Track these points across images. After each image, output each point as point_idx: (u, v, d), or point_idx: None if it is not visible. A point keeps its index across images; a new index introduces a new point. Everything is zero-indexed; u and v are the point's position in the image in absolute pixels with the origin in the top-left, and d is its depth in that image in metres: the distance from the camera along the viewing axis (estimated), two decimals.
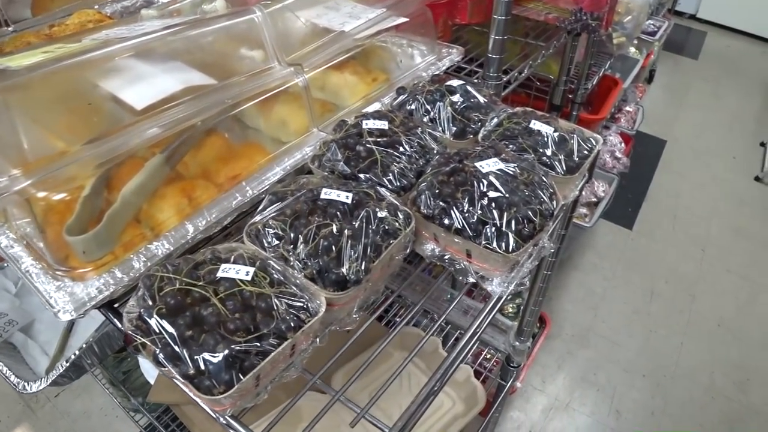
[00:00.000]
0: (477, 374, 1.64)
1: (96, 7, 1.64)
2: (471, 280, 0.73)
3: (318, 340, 0.67)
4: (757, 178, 3.78)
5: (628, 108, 3.20)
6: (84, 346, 1.50)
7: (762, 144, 4.12)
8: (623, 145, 2.87)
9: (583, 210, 2.67)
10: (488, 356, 1.84)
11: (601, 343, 2.63)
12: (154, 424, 1.85)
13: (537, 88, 1.96)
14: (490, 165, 0.73)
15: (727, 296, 2.91)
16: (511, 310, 2.21)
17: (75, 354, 1.49)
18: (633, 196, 3.49)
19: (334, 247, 0.65)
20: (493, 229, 0.69)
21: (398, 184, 0.76)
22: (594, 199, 2.64)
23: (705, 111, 4.54)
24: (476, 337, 0.73)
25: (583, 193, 2.51)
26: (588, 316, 2.74)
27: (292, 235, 0.67)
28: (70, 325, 1.70)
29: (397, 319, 1.79)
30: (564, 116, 2.08)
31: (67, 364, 1.49)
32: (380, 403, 1.45)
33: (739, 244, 3.24)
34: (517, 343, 1.39)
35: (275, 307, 0.62)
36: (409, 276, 1.00)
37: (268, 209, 0.73)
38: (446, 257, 0.75)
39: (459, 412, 1.44)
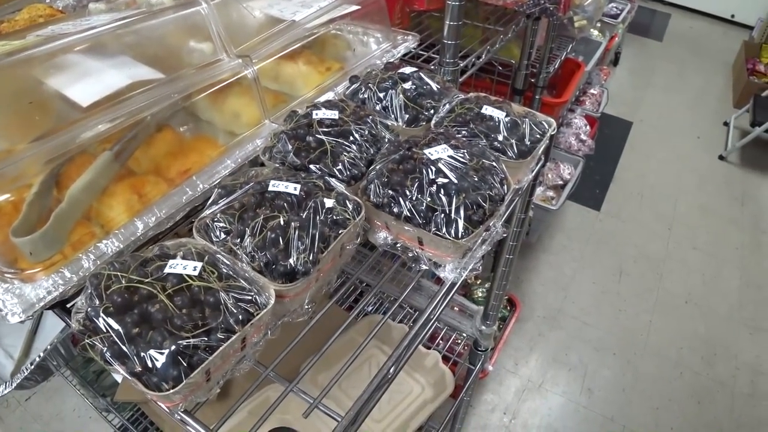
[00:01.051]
0: (447, 359, 1.65)
1: (47, 1, 1.60)
2: (423, 267, 0.74)
3: (270, 332, 0.67)
4: (721, 157, 3.86)
5: (592, 90, 3.23)
6: (49, 347, 1.48)
7: (725, 123, 4.20)
8: (588, 127, 2.90)
9: (550, 193, 2.69)
10: (459, 341, 1.86)
11: (572, 324, 2.67)
12: (126, 424, 1.84)
13: (499, 72, 1.97)
14: (439, 152, 0.74)
15: (694, 273, 2.97)
16: (480, 294, 2.23)
17: (39, 356, 1.47)
18: (600, 178, 3.54)
19: (281, 239, 0.64)
20: (443, 215, 0.69)
21: (348, 173, 0.76)
22: (560, 182, 2.67)
23: (670, 92, 4.62)
24: (431, 323, 0.73)
25: (549, 176, 2.53)
26: (558, 297, 2.78)
27: (239, 228, 0.67)
28: (35, 327, 1.67)
29: (369, 308, 1.80)
30: (527, 100, 2.09)
31: (32, 367, 1.46)
32: (350, 392, 1.46)
33: (704, 222, 3.31)
34: (483, 327, 1.40)
35: (223, 301, 0.62)
36: (379, 265, 1.00)
37: (217, 203, 0.72)
38: (399, 245, 0.75)
39: (428, 398, 1.45)
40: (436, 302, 0.74)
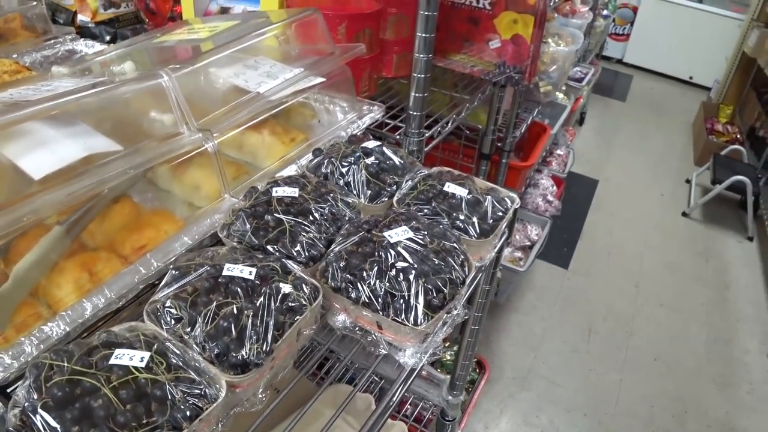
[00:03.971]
0: (415, 428, 1.61)
1: (14, 56, 1.59)
2: (383, 352, 0.72)
3: (221, 425, 0.64)
4: (684, 214, 3.95)
5: (559, 151, 3.30)
6: None
7: (687, 181, 4.32)
8: (555, 188, 2.95)
9: (518, 254, 2.71)
10: (427, 406, 1.82)
11: (542, 384, 2.64)
12: None
13: (467, 137, 2.00)
14: (399, 234, 0.73)
15: (662, 330, 2.99)
16: (449, 357, 2.19)
17: None
18: (568, 236, 3.58)
19: (234, 329, 0.62)
20: (402, 300, 0.68)
21: (307, 255, 0.75)
22: (528, 243, 2.69)
23: (633, 150, 4.76)
24: (389, 411, 0.71)
25: (517, 237, 2.55)
26: (528, 357, 2.76)
27: (191, 315, 0.64)
28: None
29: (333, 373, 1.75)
30: (494, 164, 2.12)
31: None
32: None
33: (670, 278, 3.36)
34: (450, 397, 1.37)
35: (171, 395, 0.59)
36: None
37: (170, 285, 0.70)
38: (358, 328, 0.74)
39: None
40: (395, 389, 0.71)
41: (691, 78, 6.26)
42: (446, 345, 2.21)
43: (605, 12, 4.11)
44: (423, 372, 1.58)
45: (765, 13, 4.80)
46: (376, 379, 1.62)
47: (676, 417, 2.55)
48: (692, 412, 2.58)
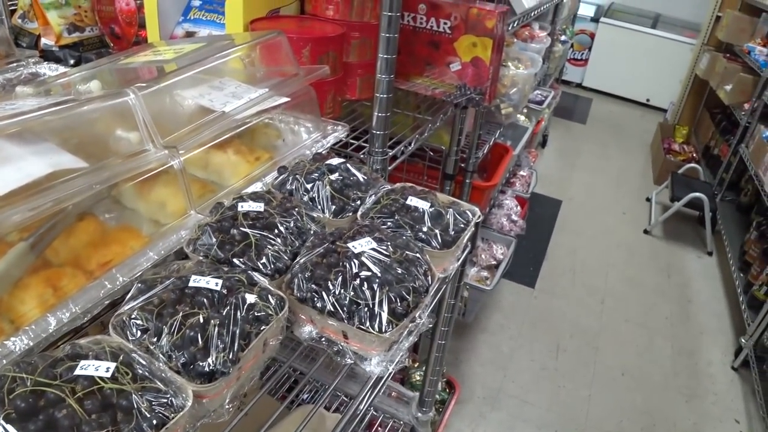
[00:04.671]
0: None
1: None
2: (349, 361, 0.73)
3: None
4: (645, 231, 4.07)
5: (522, 172, 3.38)
6: None
7: (647, 199, 4.46)
8: (519, 208, 3.00)
9: (484, 273, 2.74)
10: (397, 427, 1.82)
11: (513, 403, 2.66)
12: None
13: (430, 158, 2.04)
14: (362, 245, 0.75)
15: (628, 345, 3.05)
16: (419, 377, 2.20)
17: None
18: (533, 255, 3.64)
19: (200, 338, 0.63)
20: (366, 309, 0.70)
21: (273, 267, 0.76)
22: (494, 262, 2.73)
23: (595, 171, 4.89)
24: (358, 417, 0.72)
25: (483, 256, 2.59)
26: (497, 376, 2.78)
27: (157, 326, 0.65)
28: None
29: (305, 397, 1.74)
30: (458, 184, 2.16)
31: None
32: None
33: (633, 294, 3.44)
34: (419, 414, 1.38)
35: (136, 405, 0.59)
36: (313, 353, 0.98)
37: (136, 298, 0.70)
38: (324, 339, 0.75)
39: None
40: (362, 397, 0.73)
41: (648, 100, 6.51)
42: (415, 365, 2.22)
43: (563, 37, 4.25)
44: (393, 393, 1.58)
45: (715, 38, 5.04)
46: (346, 399, 1.62)
47: (645, 430, 2.59)
48: (660, 424, 2.63)
